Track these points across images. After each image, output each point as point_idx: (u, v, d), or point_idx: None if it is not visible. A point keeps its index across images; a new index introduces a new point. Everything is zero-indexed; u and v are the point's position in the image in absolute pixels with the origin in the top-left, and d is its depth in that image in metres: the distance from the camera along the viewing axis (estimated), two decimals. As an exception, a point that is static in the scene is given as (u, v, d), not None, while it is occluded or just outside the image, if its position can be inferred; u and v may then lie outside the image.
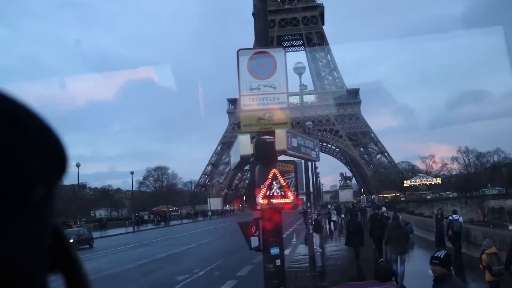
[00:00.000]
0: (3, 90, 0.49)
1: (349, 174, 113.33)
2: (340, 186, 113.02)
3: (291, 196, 8.87)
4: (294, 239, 27.69)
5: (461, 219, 18.48)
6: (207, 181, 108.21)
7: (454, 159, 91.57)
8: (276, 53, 8.83)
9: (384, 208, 29.55)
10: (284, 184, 8.80)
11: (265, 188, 8.70)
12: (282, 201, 8.73)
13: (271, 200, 8.70)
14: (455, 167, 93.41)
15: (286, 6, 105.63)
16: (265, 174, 8.80)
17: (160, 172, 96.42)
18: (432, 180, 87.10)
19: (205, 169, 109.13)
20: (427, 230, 23.03)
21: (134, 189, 76.55)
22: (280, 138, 8.55)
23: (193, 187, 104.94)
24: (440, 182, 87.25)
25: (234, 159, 9.70)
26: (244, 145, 8.52)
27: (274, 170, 8.73)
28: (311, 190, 26.10)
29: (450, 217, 18.15)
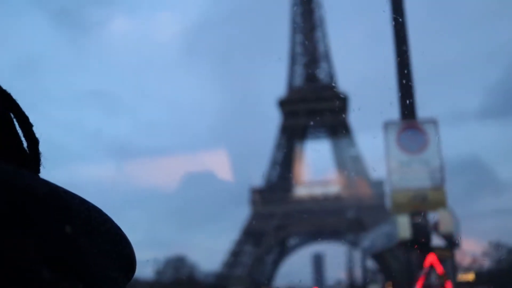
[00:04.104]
0: (76, 194, 0.54)
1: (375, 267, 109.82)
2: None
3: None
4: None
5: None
6: (228, 272, 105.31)
7: (485, 254, 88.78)
8: (428, 127, 8.06)
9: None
10: (442, 273, 7.77)
11: (422, 279, 7.67)
12: (441, 293, 7.66)
13: (430, 291, 7.65)
14: (486, 262, 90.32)
15: (310, 96, 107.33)
16: (420, 261, 7.80)
17: (179, 262, 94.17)
18: (466, 277, 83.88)
19: (226, 259, 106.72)
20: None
21: (152, 279, 74.35)
22: (445, 220, 7.60)
23: (213, 278, 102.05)
24: (474, 277, 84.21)
25: (378, 242, 8.73)
26: (403, 227, 7.55)
27: (431, 257, 7.73)
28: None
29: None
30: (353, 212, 73.39)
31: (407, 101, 8.24)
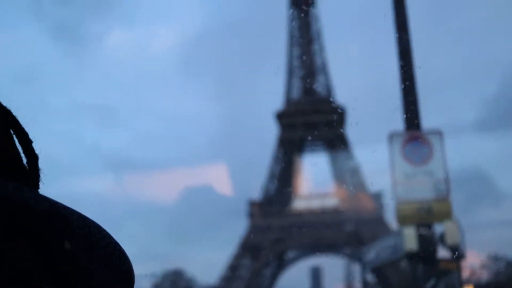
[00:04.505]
0: (75, 210, 0.55)
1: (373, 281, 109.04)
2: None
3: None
4: None
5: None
6: (226, 286, 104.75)
7: (483, 266, 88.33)
8: (432, 138, 8.06)
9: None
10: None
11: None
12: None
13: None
14: (484, 275, 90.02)
15: (308, 109, 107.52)
16: (426, 272, 7.75)
17: (177, 276, 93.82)
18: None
19: (224, 273, 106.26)
20: None
21: (150, 293, 73.93)
22: (452, 231, 7.55)
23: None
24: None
25: (381, 255, 8.68)
26: (409, 239, 7.51)
27: (436, 268, 7.69)
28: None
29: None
30: (351, 225, 73.61)
31: (410, 114, 8.26)
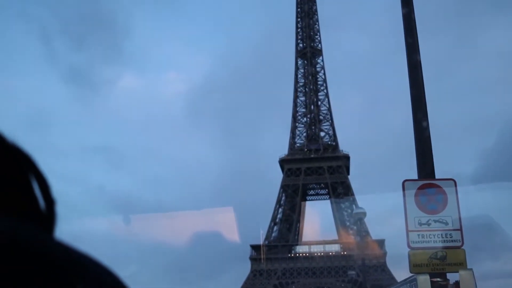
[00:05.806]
0: (88, 254, 0.56)
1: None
2: None
3: None
4: None
5: None
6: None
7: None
8: (446, 186, 8.13)
9: None
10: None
11: None
12: None
13: None
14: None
15: (312, 156, 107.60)
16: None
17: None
18: None
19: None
20: None
21: (149, 337, 72.71)
22: (466, 280, 7.57)
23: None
24: None
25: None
26: (424, 287, 7.55)
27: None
28: None
29: None
30: (354, 271, 72.83)
31: (423, 162, 8.39)
